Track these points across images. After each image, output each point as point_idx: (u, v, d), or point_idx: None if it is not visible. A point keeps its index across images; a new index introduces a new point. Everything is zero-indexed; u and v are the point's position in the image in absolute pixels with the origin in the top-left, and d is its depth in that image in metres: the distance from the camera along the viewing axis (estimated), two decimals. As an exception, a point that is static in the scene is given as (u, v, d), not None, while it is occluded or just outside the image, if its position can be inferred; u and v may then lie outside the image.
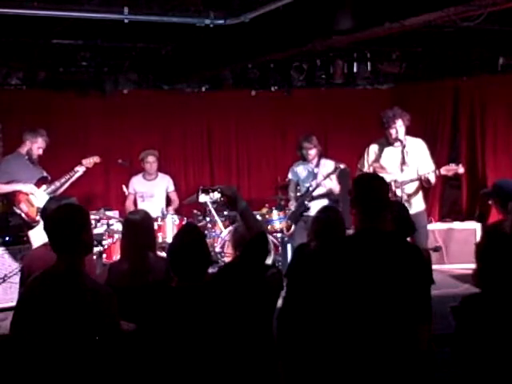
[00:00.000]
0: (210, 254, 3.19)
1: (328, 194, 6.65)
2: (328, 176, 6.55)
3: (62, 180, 6.49)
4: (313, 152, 6.68)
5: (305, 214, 6.65)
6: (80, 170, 6.56)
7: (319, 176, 6.64)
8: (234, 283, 3.06)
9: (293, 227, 6.93)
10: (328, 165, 6.74)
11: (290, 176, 7.06)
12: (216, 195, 3.20)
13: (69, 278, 2.91)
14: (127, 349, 3.13)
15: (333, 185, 6.61)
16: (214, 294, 3.02)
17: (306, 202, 6.64)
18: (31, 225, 6.24)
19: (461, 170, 6.07)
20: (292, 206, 6.90)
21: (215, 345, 2.95)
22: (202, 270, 3.10)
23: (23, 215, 6.27)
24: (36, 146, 6.36)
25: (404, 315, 3.00)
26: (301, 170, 6.89)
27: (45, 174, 6.50)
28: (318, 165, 6.72)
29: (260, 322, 3.44)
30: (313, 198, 6.62)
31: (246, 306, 3.10)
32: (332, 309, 3.11)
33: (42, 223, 5.91)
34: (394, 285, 3.00)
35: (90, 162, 6.68)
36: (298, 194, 6.90)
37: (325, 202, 6.62)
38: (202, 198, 3.25)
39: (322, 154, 6.82)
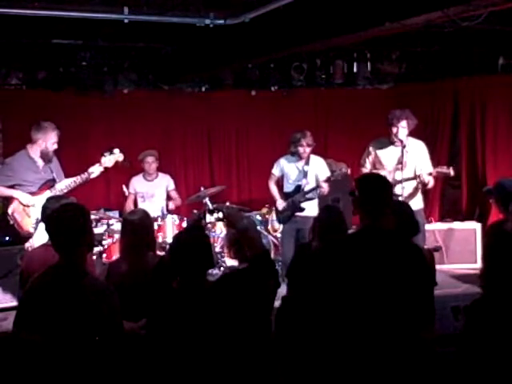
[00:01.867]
0: (211, 255, 3.20)
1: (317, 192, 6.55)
2: (328, 180, 6.43)
3: (71, 183, 6.04)
4: (308, 150, 6.49)
5: (297, 213, 6.51)
6: (96, 171, 6.08)
7: (309, 174, 6.50)
8: (236, 286, 3.07)
9: (281, 227, 6.84)
10: (318, 162, 6.63)
11: (275, 171, 6.78)
12: (221, 214, 3.32)
13: (71, 276, 2.92)
14: (129, 347, 3.13)
15: (327, 189, 6.53)
16: (214, 294, 3.02)
17: (300, 202, 6.49)
18: (23, 235, 5.84)
19: (451, 173, 6.07)
20: (280, 206, 6.65)
21: (214, 343, 2.95)
22: (204, 268, 3.10)
23: (15, 225, 5.89)
24: (50, 142, 5.90)
25: (406, 315, 3.00)
26: (289, 168, 6.65)
27: (54, 176, 6.02)
28: (307, 162, 6.55)
29: (258, 320, 3.45)
30: (307, 199, 6.50)
31: (245, 306, 3.11)
32: (334, 309, 3.11)
33: (35, 233, 5.81)
34: (396, 285, 3.00)
35: (109, 160, 6.14)
36: (286, 191, 6.67)
37: (314, 202, 6.55)
38: (208, 218, 3.41)
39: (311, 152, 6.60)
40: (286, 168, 6.71)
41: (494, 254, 2.80)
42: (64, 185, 6.02)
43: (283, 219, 6.70)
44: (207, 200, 7.32)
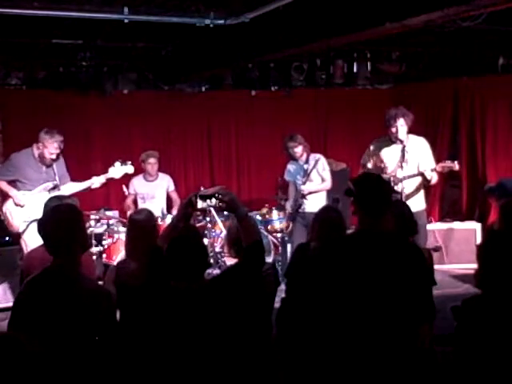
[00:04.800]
0: (207, 256, 3.19)
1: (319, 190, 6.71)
2: (309, 173, 6.58)
3: (73, 190, 6.01)
4: (299, 149, 6.64)
5: (300, 210, 6.66)
6: (95, 183, 6.08)
7: (312, 173, 6.64)
8: (232, 286, 3.06)
9: (290, 225, 6.95)
10: (318, 160, 6.72)
11: (286, 177, 7.05)
12: (214, 201, 3.18)
13: (65, 278, 2.91)
14: (126, 346, 3.13)
15: (325, 182, 6.67)
16: (211, 295, 3.02)
17: (299, 200, 6.64)
18: (11, 232, 5.93)
19: (456, 167, 6.06)
20: (288, 205, 6.92)
21: (213, 344, 2.95)
22: (200, 271, 3.10)
23: (6, 223, 5.98)
24: (47, 151, 5.91)
25: (405, 315, 3.00)
26: (294, 170, 6.86)
27: (57, 179, 6.01)
28: (307, 161, 6.69)
29: (258, 319, 3.44)
30: (303, 196, 6.62)
31: (244, 306, 3.11)
32: (333, 309, 3.11)
33: (25, 233, 5.75)
34: (395, 285, 3.00)
35: (119, 171, 6.14)
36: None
37: (321, 197, 6.70)
38: (200, 204, 3.22)
39: (309, 151, 6.76)
40: (292, 170, 6.91)
41: (483, 253, 2.80)
42: (67, 191, 5.97)
43: (288, 217, 6.92)
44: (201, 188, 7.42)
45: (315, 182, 6.67)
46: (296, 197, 6.71)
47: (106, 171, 6.24)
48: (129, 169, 6.25)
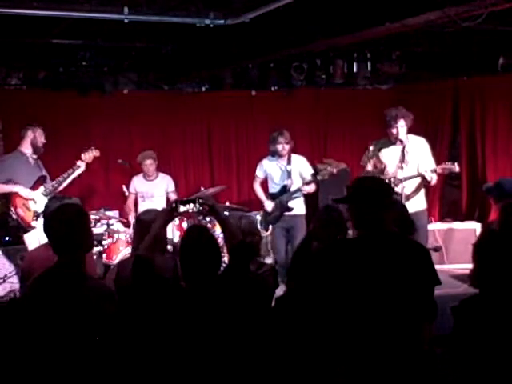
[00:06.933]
0: (221, 258, 3.22)
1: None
2: (309, 183, 6.53)
3: (60, 179, 6.32)
4: (288, 147, 6.56)
5: (286, 213, 6.58)
6: (81, 166, 6.38)
7: (293, 173, 6.57)
8: (229, 285, 3.09)
9: (270, 227, 6.87)
10: (300, 161, 6.69)
11: (258, 173, 6.89)
12: (195, 205, 3.26)
13: (70, 277, 2.92)
14: (130, 346, 3.13)
15: (311, 189, 6.63)
16: (209, 296, 3.03)
17: (287, 202, 6.56)
18: (26, 229, 6.11)
19: (456, 168, 6.07)
20: (268, 207, 6.69)
21: (210, 344, 2.95)
22: (214, 273, 3.11)
23: (19, 220, 6.15)
24: (38, 133, 6.30)
25: (409, 315, 2.99)
26: (272, 168, 6.75)
27: (44, 172, 6.33)
28: (289, 162, 6.62)
29: (255, 319, 3.45)
30: (293, 198, 6.57)
31: (243, 305, 3.11)
32: (337, 308, 3.11)
33: (38, 226, 5.92)
34: (400, 284, 3.00)
35: (89, 156, 6.48)
36: (272, 192, 6.76)
37: (301, 200, 6.64)
38: (182, 208, 3.28)
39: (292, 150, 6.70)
40: (269, 169, 6.79)
41: (482, 253, 2.80)
42: (55, 181, 6.31)
43: (272, 220, 6.73)
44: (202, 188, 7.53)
45: (295, 184, 6.59)
46: (282, 200, 6.58)
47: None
48: (95, 152, 6.56)
